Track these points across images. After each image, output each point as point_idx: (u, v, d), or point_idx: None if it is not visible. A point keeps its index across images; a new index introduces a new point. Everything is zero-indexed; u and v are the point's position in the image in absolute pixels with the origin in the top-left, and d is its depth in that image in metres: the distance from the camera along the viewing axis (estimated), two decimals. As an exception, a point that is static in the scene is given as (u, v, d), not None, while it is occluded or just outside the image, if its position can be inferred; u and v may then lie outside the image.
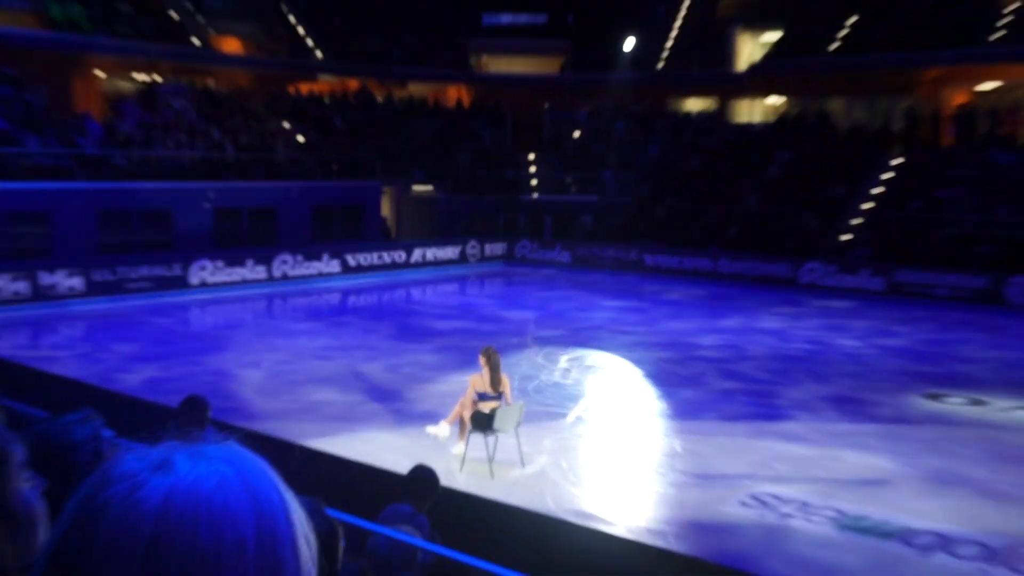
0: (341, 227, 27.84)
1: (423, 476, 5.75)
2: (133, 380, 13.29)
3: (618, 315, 20.10)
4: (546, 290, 24.38)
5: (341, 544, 3.55)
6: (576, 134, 34.57)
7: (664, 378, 14.05)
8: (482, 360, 9.73)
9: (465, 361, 14.46)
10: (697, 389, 13.43)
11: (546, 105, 35.71)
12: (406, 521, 5.26)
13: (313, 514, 3.01)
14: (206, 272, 22.28)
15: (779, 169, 28.65)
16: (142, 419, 8.79)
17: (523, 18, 38.22)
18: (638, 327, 18.53)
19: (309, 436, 10.08)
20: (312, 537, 0.93)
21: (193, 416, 6.53)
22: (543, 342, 16.70)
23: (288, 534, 0.88)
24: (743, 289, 24.26)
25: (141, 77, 28.99)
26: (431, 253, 27.54)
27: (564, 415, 11.80)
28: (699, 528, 8.34)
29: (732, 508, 8.74)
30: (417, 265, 27.01)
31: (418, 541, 4.65)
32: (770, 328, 18.70)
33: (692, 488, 9.23)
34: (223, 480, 0.87)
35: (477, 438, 9.74)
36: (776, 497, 8.97)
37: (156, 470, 0.87)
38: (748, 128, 32.56)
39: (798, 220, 26.20)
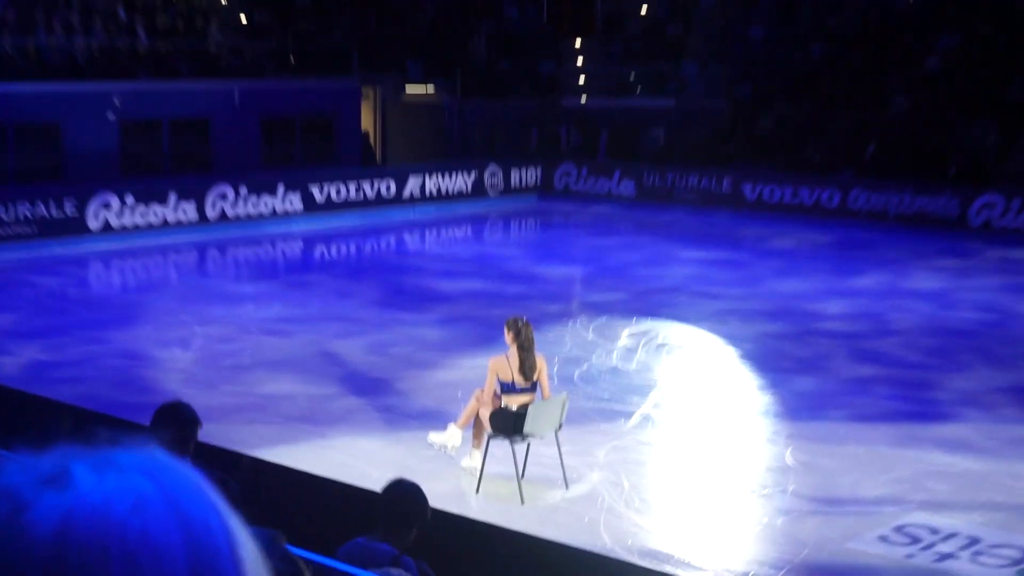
0: (303, 147, 27.86)
1: (403, 495, 5.73)
2: (10, 365, 13.44)
3: (703, 271, 20.03)
4: (599, 235, 24.29)
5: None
6: (643, 11, 34.32)
7: (771, 361, 14.03)
8: (508, 336, 9.73)
9: (483, 337, 14.52)
10: (819, 377, 13.42)
11: (599, -32, 35.43)
12: (389, 564, 5.32)
13: (270, 551, 3.02)
14: (111, 212, 22.44)
15: (940, 60, 28.31)
16: (24, 419, 8.89)
17: None
18: (733, 288, 18.50)
19: (261, 444, 10.17)
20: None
21: (173, 435, 6.22)
22: (595, 310, 16.71)
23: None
24: (886, 233, 24.09)
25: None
26: (433, 184, 27.55)
27: (626, 414, 11.82)
28: (821, 574, 8.34)
29: (869, 545, 8.73)
30: (413, 201, 27.02)
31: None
32: (926, 289, 18.62)
33: (811, 518, 9.23)
34: (142, 499, 0.87)
35: (501, 447, 9.73)
36: (933, 530, 8.95)
37: (47, 485, 0.87)
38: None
39: (968, 134, 25.92)
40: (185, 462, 0.94)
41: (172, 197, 23.22)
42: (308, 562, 5.62)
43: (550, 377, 10.35)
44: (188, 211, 23.43)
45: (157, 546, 0.85)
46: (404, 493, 5.75)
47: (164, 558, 0.85)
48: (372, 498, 6.29)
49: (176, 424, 6.32)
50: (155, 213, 22.95)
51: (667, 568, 8.08)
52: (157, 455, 0.92)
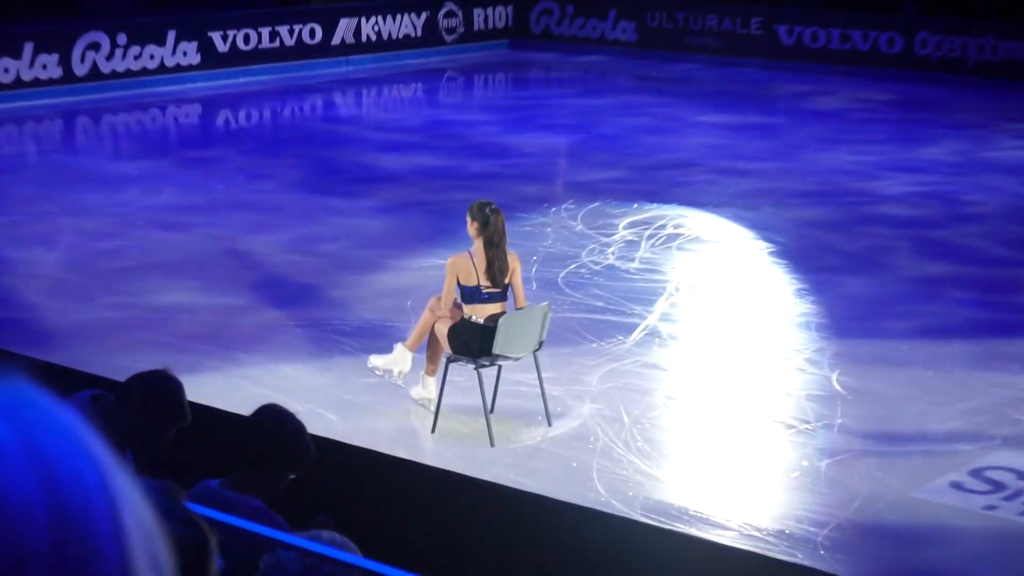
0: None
1: (267, 429, 5.55)
2: None
3: (726, 141, 20.06)
4: (590, 95, 24.33)
5: (215, 563, 3.43)
6: None
7: (813, 258, 14.05)
8: (472, 228, 9.56)
9: (439, 230, 14.52)
10: (874, 277, 13.50)
11: None
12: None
13: (166, 511, 2.92)
14: (-51, 71, 22.31)
15: None
16: None
17: None
18: (764, 163, 18.53)
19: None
20: (163, 551, 0.97)
21: (144, 422, 5.83)
22: (585, 193, 16.62)
23: (112, 544, 0.90)
24: (963, 89, 24.09)
25: None
26: (372, 28, 27.18)
27: (626, 328, 11.73)
28: (875, 532, 8.31)
29: (937, 495, 8.70)
30: (347, 51, 26.70)
31: (356, 559, 4.52)
32: (1014, 162, 18.70)
33: (863, 460, 9.16)
34: None
35: (463, 372, 9.71)
36: (1021, 474, 8.97)
37: None
38: None
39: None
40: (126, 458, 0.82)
41: (28, 48, 22.71)
42: (214, 524, 5.55)
43: (526, 281, 10.47)
44: (50, 66, 22.97)
45: (12, 506, 0.87)
46: (269, 425, 5.56)
47: (18, 521, 0.87)
48: (233, 429, 6.15)
49: (157, 400, 5.87)
50: (6, 70, 22.46)
51: (679, 526, 8.02)
52: (19, 388, 0.95)
